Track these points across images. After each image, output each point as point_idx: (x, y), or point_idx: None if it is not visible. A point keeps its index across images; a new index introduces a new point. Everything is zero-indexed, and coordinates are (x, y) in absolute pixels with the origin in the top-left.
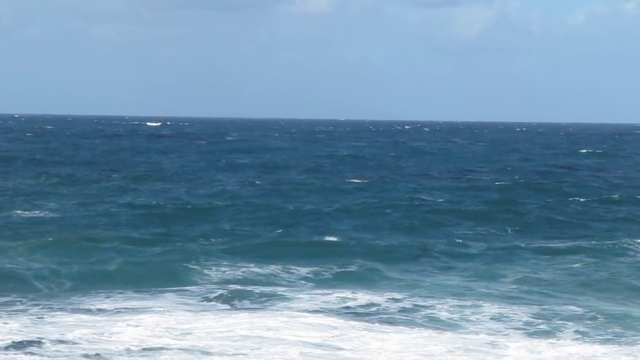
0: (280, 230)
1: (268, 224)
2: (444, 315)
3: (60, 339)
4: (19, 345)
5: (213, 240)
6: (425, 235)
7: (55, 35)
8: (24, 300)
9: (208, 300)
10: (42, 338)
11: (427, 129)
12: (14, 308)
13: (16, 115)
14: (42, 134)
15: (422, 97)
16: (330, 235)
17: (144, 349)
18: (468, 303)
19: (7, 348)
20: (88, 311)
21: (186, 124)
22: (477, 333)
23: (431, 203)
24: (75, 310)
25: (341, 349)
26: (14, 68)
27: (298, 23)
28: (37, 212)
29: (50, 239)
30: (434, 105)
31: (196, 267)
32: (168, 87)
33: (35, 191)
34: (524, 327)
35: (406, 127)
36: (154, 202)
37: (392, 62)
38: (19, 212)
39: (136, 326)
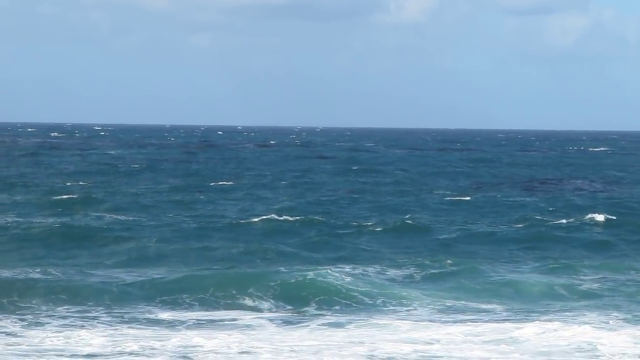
0: None
1: None
2: None
3: None
4: None
5: None
6: None
7: (151, 45)
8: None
9: None
10: None
11: (533, 138)
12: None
13: (107, 128)
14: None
15: (517, 105)
16: None
17: None
18: None
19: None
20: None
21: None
22: None
23: None
24: None
25: None
26: (110, 77)
27: (392, 32)
28: None
29: None
30: (528, 114)
31: None
32: (262, 97)
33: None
34: None
35: (501, 135)
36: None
37: (486, 71)
38: None
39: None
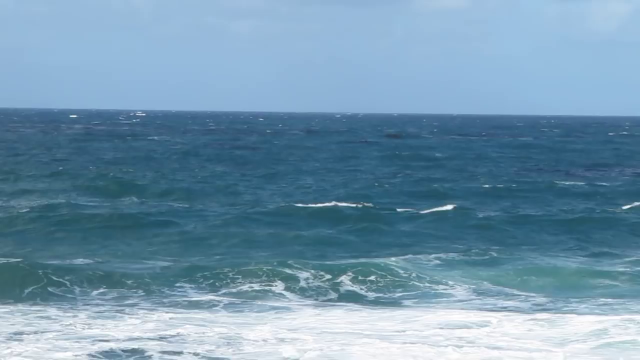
0: None
1: None
2: None
3: None
4: None
5: None
6: None
7: (192, 32)
8: None
9: None
10: None
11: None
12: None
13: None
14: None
15: (559, 90)
16: None
17: None
18: None
19: None
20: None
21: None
22: None
23: None
24: None
25: None
26: (151, 63)
27: (434, 18)
28: None
29: None
30: (570, 99)
31: None
32: (303, 83)
33: None
34: None
35: (552, 121)
36: None
37: (528, 56)
38: None
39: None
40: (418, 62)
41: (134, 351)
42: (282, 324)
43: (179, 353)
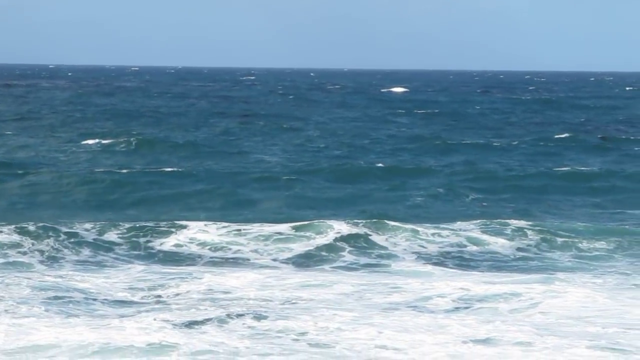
0: None
1: None
2: None
3: None
4: None
5: None
6: None
7: None
8: None
9: None
10: None
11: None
12: None
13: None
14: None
15: (556, 45)
16: None
17: None
18: None
19: None
20: None
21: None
22: None
23: None
24: None
25: None
26: (151, 20)
27: None
28: None
29: None
30: (568, 54)
31: None
32: (302, 38)
33: None
34: None
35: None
36: None
37: (527, 10)
38: None
39: None
40: (417, 17)
41: None
42: None
43: None
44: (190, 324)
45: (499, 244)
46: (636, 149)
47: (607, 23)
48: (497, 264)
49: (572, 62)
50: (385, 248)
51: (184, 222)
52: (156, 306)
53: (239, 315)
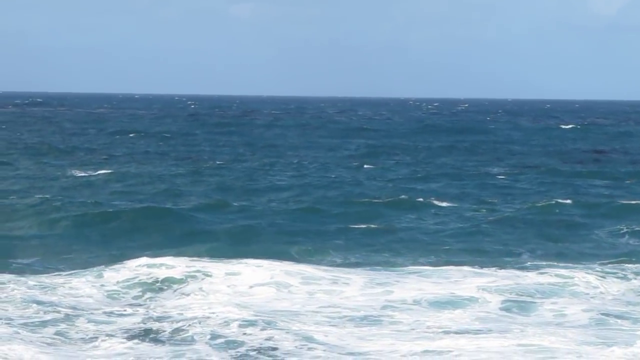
0: None
1: None
2: None
3: None
4: None
5: None
6: None
7: (191, 15)
8: None
9: None
10: None
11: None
12: None
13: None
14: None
15: (559, 75)
16: None
17: None
18: None
19: None
20: None
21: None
22: None
23: None
24: None
25: None
26: (150, 47)
27: (433, 2)
28: None
29: None
30: (570, 84)
31: None
32: (303, 67)
33: None
34: None
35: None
36: None
37: (529, 40)
38: None
39: None
40: (417, 47)
41: None
42: None
43: None
44: None
45: None
46: None
47: (609, 54)
48: None
49: (579, 91)
50: None
51: None
52: None
53: None
